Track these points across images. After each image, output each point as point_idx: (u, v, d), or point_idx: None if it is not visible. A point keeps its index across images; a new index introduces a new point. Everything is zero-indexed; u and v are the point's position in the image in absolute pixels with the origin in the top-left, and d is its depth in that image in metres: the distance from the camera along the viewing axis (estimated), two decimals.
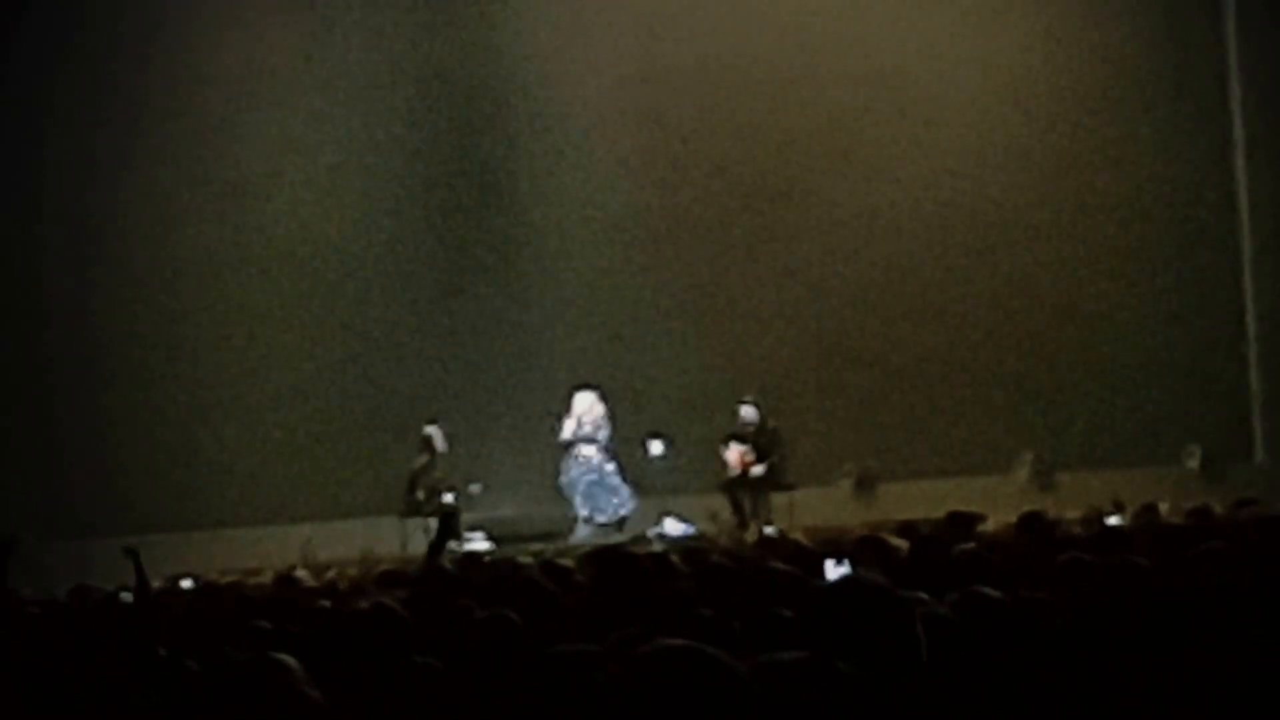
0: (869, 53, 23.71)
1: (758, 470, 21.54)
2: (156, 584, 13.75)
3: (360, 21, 24.05)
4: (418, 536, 21.14)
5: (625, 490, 21.71)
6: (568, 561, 10.69)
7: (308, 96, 24.10)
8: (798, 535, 14.86)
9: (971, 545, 9.11)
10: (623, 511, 21.67)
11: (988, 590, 6.10)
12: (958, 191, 23.62)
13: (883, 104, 23.72)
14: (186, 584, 15.86)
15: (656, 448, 21.31)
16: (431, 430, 21.81)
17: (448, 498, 21.43)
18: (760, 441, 21.60)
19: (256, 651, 6.59)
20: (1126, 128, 23.71)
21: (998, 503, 16.36)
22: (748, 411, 21.73)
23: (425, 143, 24.12)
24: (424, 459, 21.74)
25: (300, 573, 12.37)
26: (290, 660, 5.56)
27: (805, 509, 20.97)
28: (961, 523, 12.57)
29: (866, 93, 23.72)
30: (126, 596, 11.65)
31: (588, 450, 21.76)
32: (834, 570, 8.83)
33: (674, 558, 9.72)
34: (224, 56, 23.93)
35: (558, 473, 21.87)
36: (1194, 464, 22.40)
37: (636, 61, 23.79)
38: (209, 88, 23.93)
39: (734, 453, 21.58)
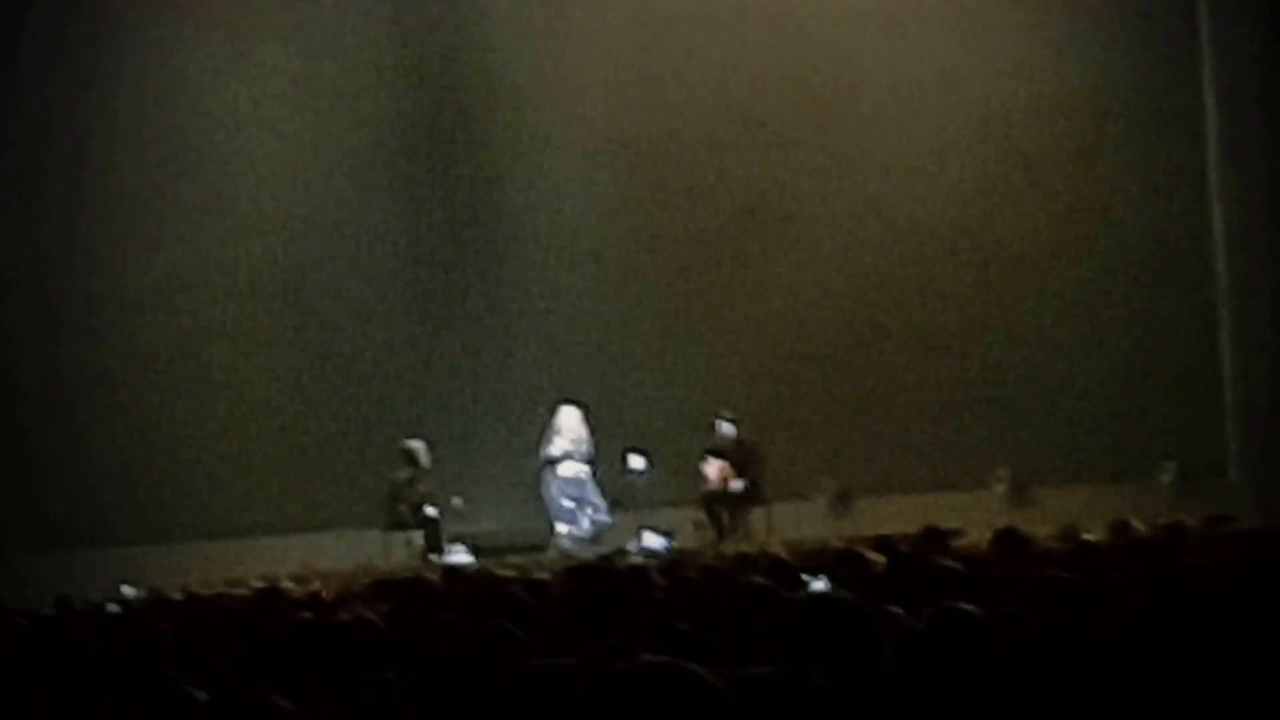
0: (847, 75, 23.69)
1: (736, 485, 21.58)
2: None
3: (340, 33, 24.01)
4: (400, 549, 21.23)
5: (604, 505, 21.76)
6: (546, 575, 10.72)
7: (291, 109, 24.05)
8: (776, 550, 14.90)
9: (948, 560, 9.14)
10: (601, 526, 21.72)
11: (963, 605, 6.15)
12: (933, 209, 23.62)
13: (860, 124, 23.72)
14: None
15: (636, 462, 21.37)
16: (414, 444, 21.86)
17: (430, 511, 21.48)
18: (738, 456, 21.67)
19: (239, 671, 6.62)
20: (1101, 144, 23.71)
21: (974, 518, 16.39)
22: (725, 427, 21.79)
23: (407, 157, 24.10)
24: (407, 473, 21.77)
25: (285, 584, 12.43)
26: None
27: (783, 524, 20.99)
28: (938, 538, 12.59)
29: (844, 113, 23.71)
30: (113, 608, 11.66)
31: (568, 465, 21.81)
32: (812, 585, 8.87)
33: (652, 571, 9.77)
34: (205, 73, 23.85)
35: (538, 486, 21.93)
36: (1168, 479, 22.44)
37: (619, 80, 23.78)
38: (192, 102, 23.88)
39: (713, 467, 21.63)
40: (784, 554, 12.42)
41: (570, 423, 21.85)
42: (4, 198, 23.78)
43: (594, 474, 21.82)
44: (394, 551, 21.21)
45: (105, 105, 23.85)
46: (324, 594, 12.31)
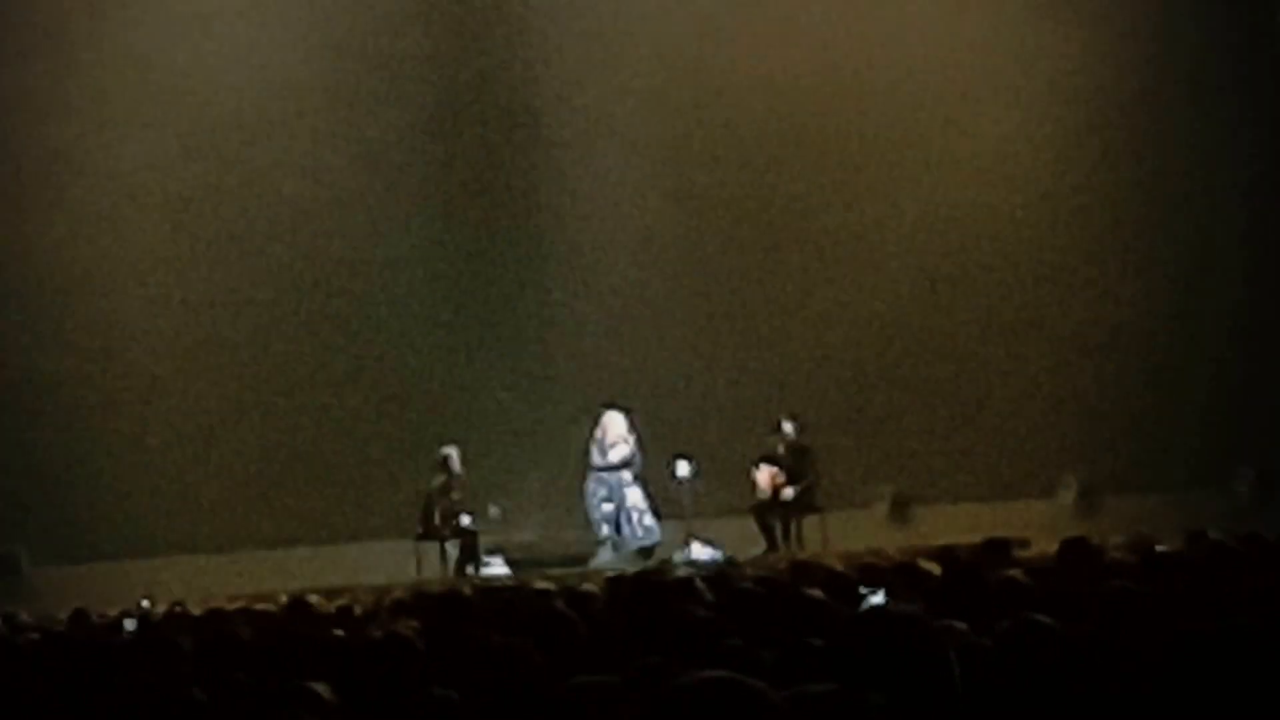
0: (900, 72, 23.66)
1: (789, 493, 21.30)
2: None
3: (384, 27, 23.81)
4: (434, 561, 20.97)
5: (651, 515, 21.47)
6: (590, 587, 10.49)
7: (327, 102, 23.82)
8: (831, 560, 14.59)
9: (1012, 572, 8.87)
10: (647, 537, 21.41)
11: (1035, 618, 5.85)
12: (999, 207, 23.46)
13: (915, 123, 23.64)
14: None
15: (684, 469, 21.08)
16: (449, 451, 21.55)
17: (465, 520, 21.15)
18: (791, 463, 21.35)
19: (271, 681, 6.40)
20: (1162, 139, 23.53)
21: (1039, 528, 16.16)
22: (789, 427, 21.42)
23: (448, 153, 23.97)
24: (441, 480, 21.47)
25: (314, 598, 12.22)
26: (322, 688, 5.40)
27: (838, 533, 20.78)
28: (1001, 548, 12.36)
29: (898, 111, 23.63)
30: (130, 623, 11.46)
31: (613, 474, 21.53)
32: (870, 599, 8.62)
33: (700, 584, 9.49)
34: (232, 68, 23.63)
35: (582, 496, 21.64)
36: (1245, 488, 22.15)
37: (667, 75, 23.68)
38: (225, 98, 23.64)
39: (764, 474, 21.33)
40: (840, 565, 12.11)
41: (616, 429, 21.53)
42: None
43: (641, 482, 21.51)
44: (428, 564, 20.93)
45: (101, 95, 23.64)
46: (355, 609, 12.13)
